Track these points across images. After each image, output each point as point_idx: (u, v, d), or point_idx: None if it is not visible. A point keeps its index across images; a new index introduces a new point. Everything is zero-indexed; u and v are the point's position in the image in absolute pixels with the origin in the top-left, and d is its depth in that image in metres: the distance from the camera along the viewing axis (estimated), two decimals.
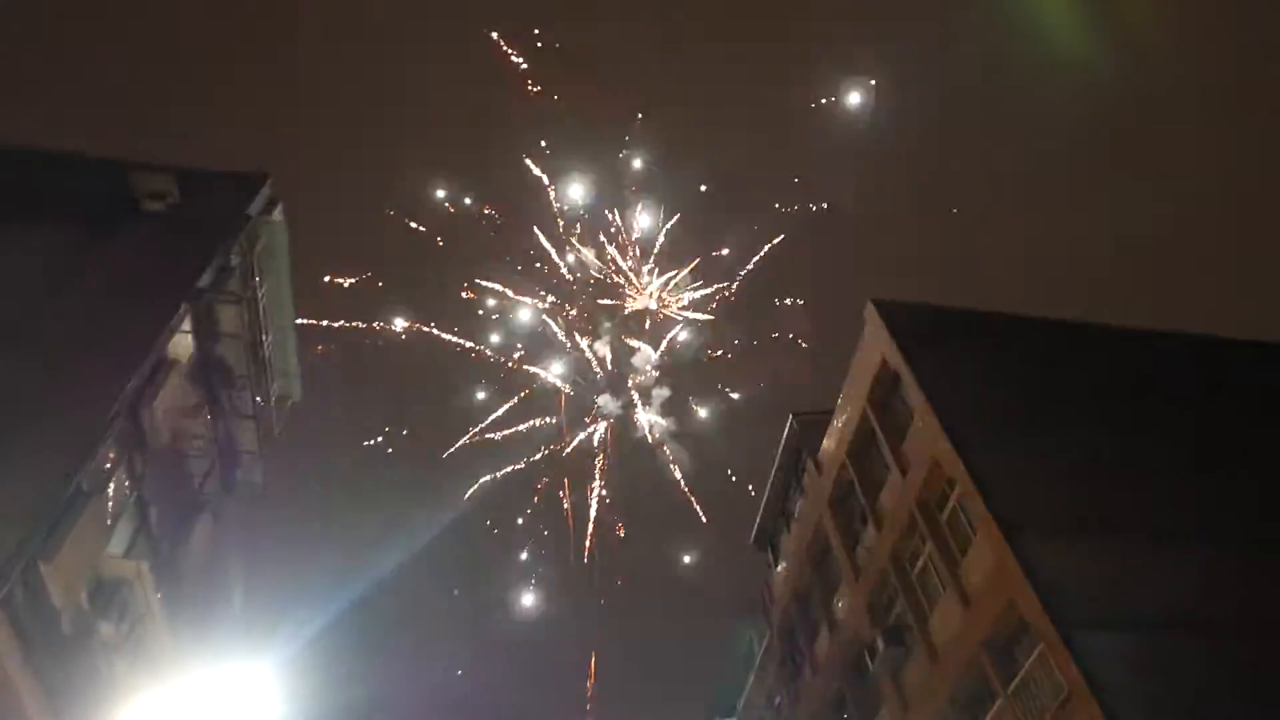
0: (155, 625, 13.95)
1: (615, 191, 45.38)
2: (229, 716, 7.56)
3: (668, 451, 46.94)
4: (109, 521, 12.88)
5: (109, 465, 12.59)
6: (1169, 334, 19.10)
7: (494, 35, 43.46)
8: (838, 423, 20.35)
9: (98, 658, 12.06)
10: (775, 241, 44.13)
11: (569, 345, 46.36)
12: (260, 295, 16.44)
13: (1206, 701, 11.46)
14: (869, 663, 17.44)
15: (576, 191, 44.83)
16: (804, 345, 45.38)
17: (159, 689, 7.89)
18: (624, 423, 47.52)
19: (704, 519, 46.44)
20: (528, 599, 49.00)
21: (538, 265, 45.25)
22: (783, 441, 24.07)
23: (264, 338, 16.87)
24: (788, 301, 45.89)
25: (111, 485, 12.69)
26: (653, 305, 46.15)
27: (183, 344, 14.54)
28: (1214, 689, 11.66)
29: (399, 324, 44.48)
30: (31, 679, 10.82)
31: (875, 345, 18.21)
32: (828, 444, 20.99)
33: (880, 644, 16.81)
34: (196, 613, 16.32)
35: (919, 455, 16.47)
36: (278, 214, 16.29)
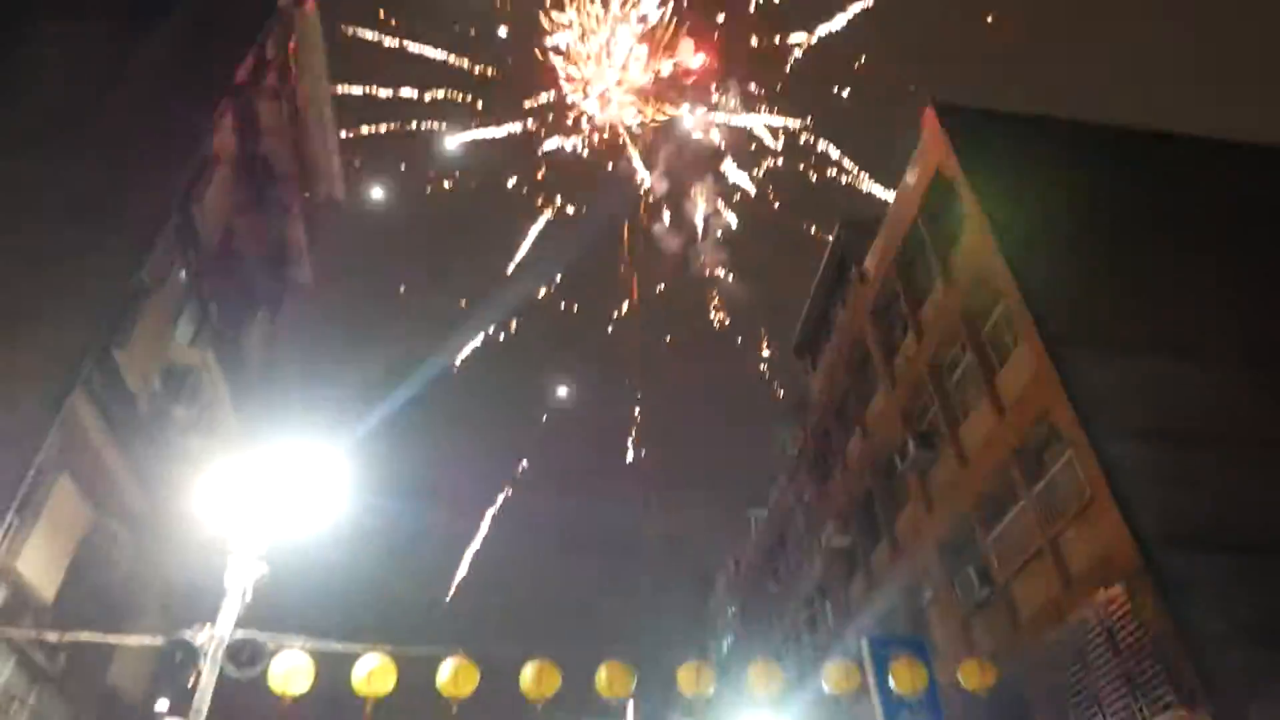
0: (224, 410, 14.96)
1: None
2: (302, 487, 8.23)
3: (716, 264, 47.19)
4: (173, 314, 13.51)
5: (167, 260, 13.02)
6: (1237, 145, 17.95)
7: None
8: (887, 231, 19.98)
9: (174, 436, 13.07)
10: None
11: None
12: (298, 92, 16.15)
13: (1224, 512, 11.80)
14: (898, 464, 18.11)
15: None
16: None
17: (233, 458, 8.60)
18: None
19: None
20: (571, 388, 51.27)
21: None
22: (829, 248, 23.82)
23: (305, 135, 16.75)
24: (843, 94, 44.28)
25: (171, 278, 13.17)
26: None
27: (227, 141, 14.53)
28: (1233, 501, 11.95)
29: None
30: (117, 452, 11.82)
31: (932, 151, 17.48)
32: (875, 253, 20.73)
33: (911, 447, 17.38)
34: (262, 402, 17.38)
35: (968, 266, 16.23)
36: (310, 5, 15.66)
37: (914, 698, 13.86)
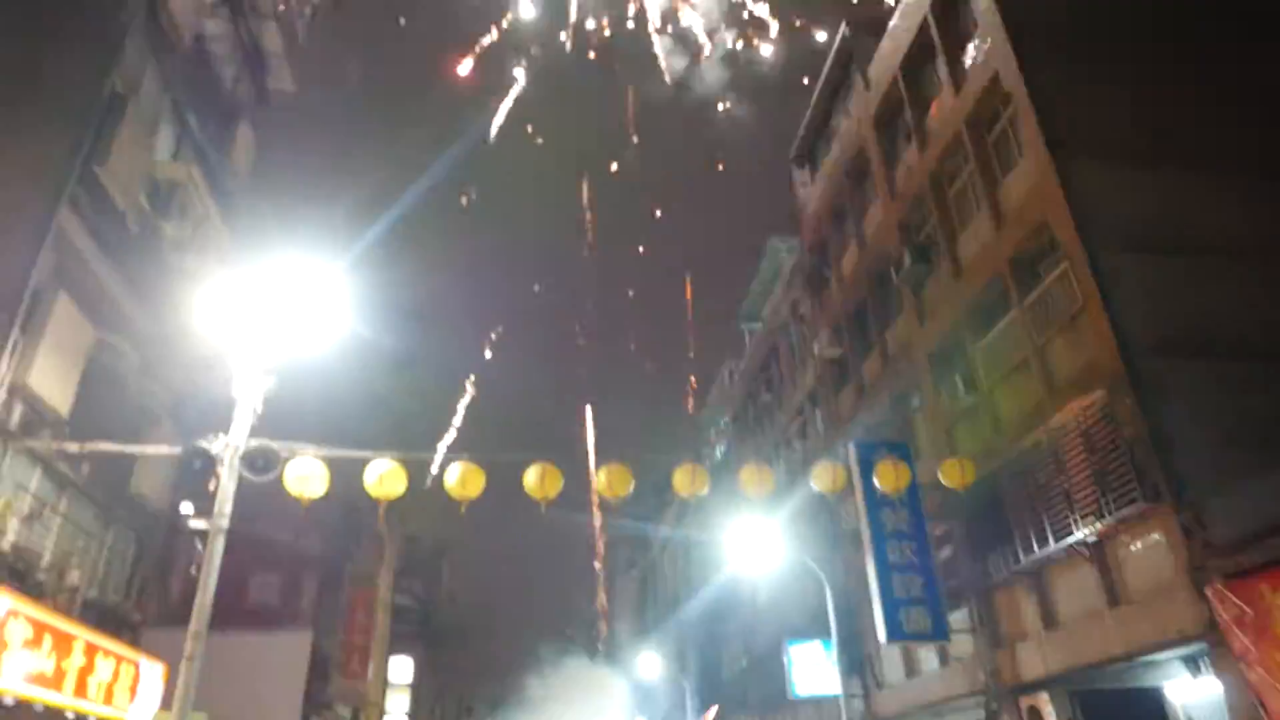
0: (216, 227, 14.78)
1: None
2: (302, 302, 8.30)
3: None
4: (150, 126, 13.05)
5: (139, 65, 12.41)
6: None
7: None
8: (895, 32, 18.95)
9: (168, 254, 12.99)
10: None
11: None
12: None
13: (1211, 321, 12.01)
14: (893, 276, 18.20)
15: None
16: None
17: (228, 274, 8.63)
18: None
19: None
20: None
21: None
22: (833, 51, 22.69)
23: None
24: None
25: (144, 86, 12.62)
26: None
27: None
28: (1222, 310, 12.15)
29: None
30: (112, 270, 11.80)
31: None
32: (881, 57, 19.79)
33: (907, 259, 17.39)
34: (254, 220, 17.13)
35: (977, 70, 15.55)
36: None
37: (896, 496, 14.74)
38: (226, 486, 8.06)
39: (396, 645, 30.42)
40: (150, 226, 12.46)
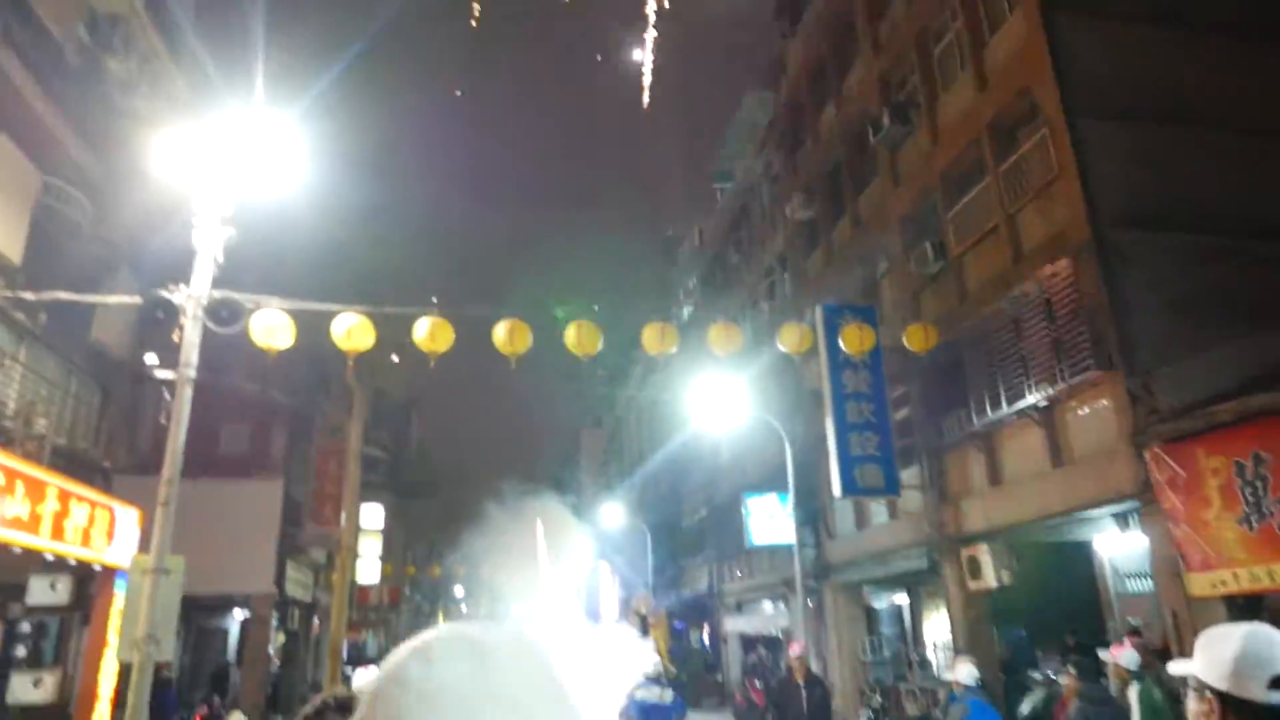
0: (165, 66, 13.93)
1: None
2: (258, 150, 7.95)
3: None
4: None
5: None
6: None
7: None
8: None
9: (114, 94, 12.29)
10: None
11: None
12: None
13: (1185, 194, 12.04)
14: (870, 136, 17.87)
15: None
16: None
17: (182, 118, 8.20)
18: None
19: None
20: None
21: None
22: None
23: None
24: None
25: None
26: None
27: None
28: (1196, 184, 12.14)
29: None
30: (53, 107, 11.16)
31: None
32: None
33: (886, 118, 17.02)
34: (206, 59, 16.13)
35: None
36: None
37: (859, 359, 15.06)
38: (191, 337, 7.97)
39: (367, 494, 31.30)
40: (92, 61, 11.71)
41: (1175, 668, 1.82)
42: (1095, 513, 12.13)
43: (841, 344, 11.34)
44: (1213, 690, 1.65)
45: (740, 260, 28.51)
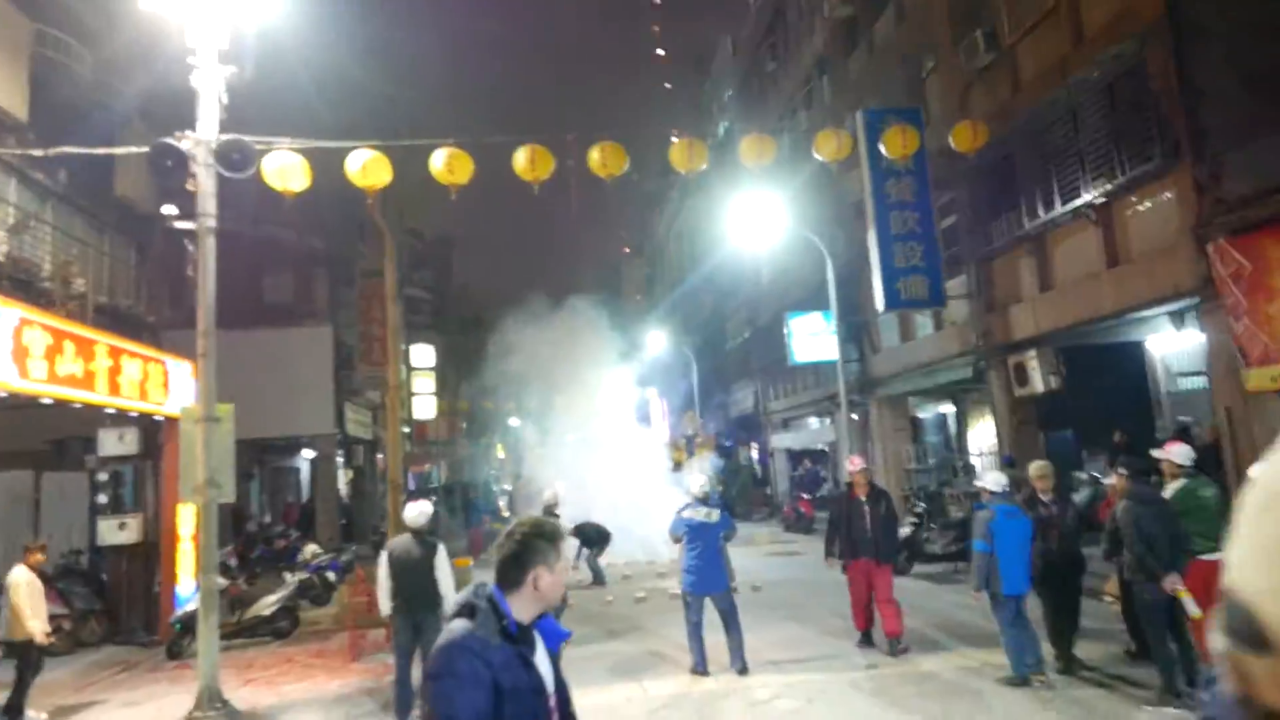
0: None
1: None
2: None
3: None
4: None
5: None
6: None
7: None
8: None
9: None
10: None
11: None
12: None
13: None
14: None
15: None
16: None
17: None
18: None
19: None
20: None
21: None
22: None
23: None
24: None
25: None
26: None
27: None
28: None
29: None
30: None
31: None
32: None
33: None
34: None
35: None
36: None
37: (903, 164, 14.32)
38: (205, 184, 7.75)
39: (416, 334, 31.92)
40: None
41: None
42: (1150, 312, 11.72)
43: (883, 149, 10.65)
44: None
45: (777, 68, 26.88)
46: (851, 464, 9.09)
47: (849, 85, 20.50)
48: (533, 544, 2.27)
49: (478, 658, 2.05)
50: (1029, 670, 6.87)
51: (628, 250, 60.01)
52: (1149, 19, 10.72)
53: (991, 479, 7.46)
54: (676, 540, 8.17)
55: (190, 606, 10.47)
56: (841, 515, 8.77)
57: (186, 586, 11.42)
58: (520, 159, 8.25)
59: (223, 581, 14.83)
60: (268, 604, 11.63)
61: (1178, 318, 11.74)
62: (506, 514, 25.42)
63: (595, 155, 8.28)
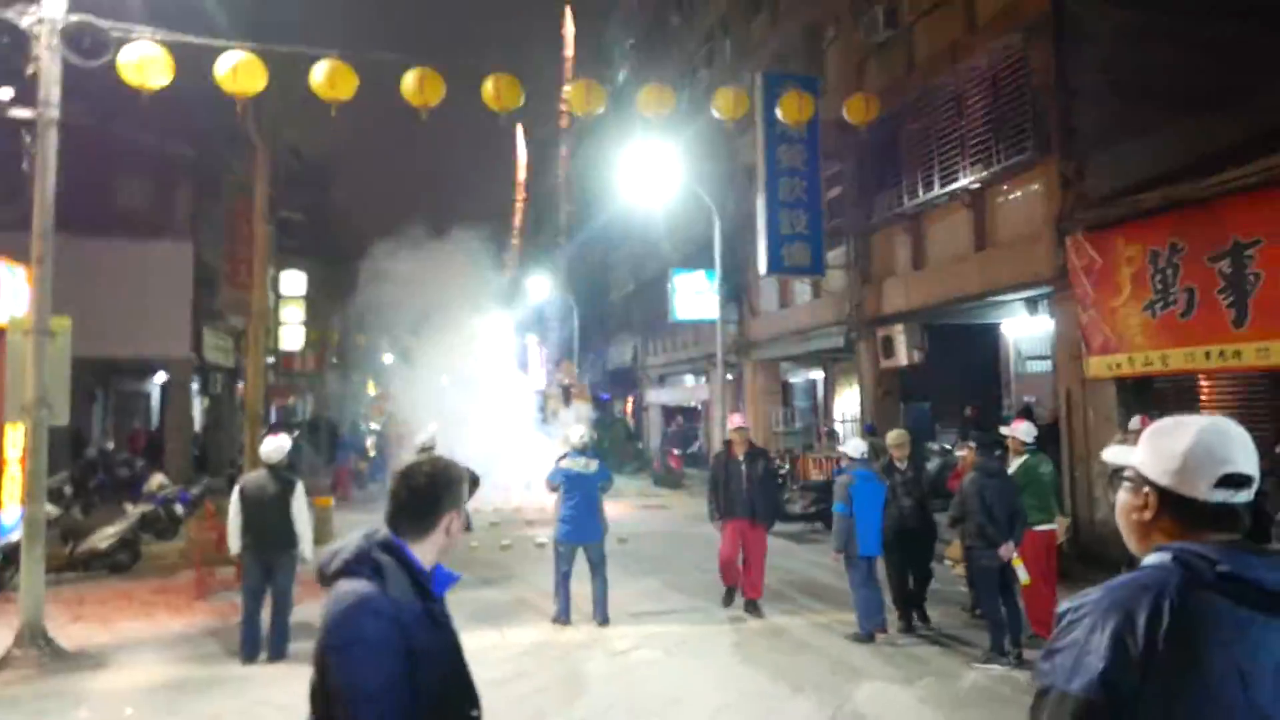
0: None
1: None
2: None
3: None
4: None
5: None
6: None
7: None
8: None
9: None
10: None
11: None
12: None
13: None
14: None
15: None
16: None
17: None
18: None
19: None
20: None
21: None
22: None
23: None
24: None
25: None
26: None
27: None
28: None
29: None
30: None
31: None
32: None
33: None
34: None
35: None
36: None
37: (796, 131, 14.51)
38: (49, 69, 6.94)
39: (288, 259, 30.20)
40: None
41: (1111, 456, 1.66)
42: (1010, 296, 12.41)
43: (779, 113, 10.73)
44: (1152, 485, 1.49)
45: (680, 23, 26.62)
46: (731, 419, 9.02)
47: (750, 48, 20.53)
48: (447, 484, 2.05)
49: (390, 620, 1.82)
50: (874, 627, 7.26)
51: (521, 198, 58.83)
52: (1034, 15, 11.16)
53: (852, 446, 7.77)
54: (554, 489, 8.10)
55: (14, 536, 9.66)
56: (720, 474, 8.48)
57: (11, 514, 10.53)
58: (409, 81, 7.81)
59: (53, 510, 13.79)
60: (105, 536, 10.87)
61: (1032, 304, 12.50)
62: (372, 453, 24.75)
63: (490, 87, 7.93)
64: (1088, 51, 10.90)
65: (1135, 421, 8.09)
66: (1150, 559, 1.47)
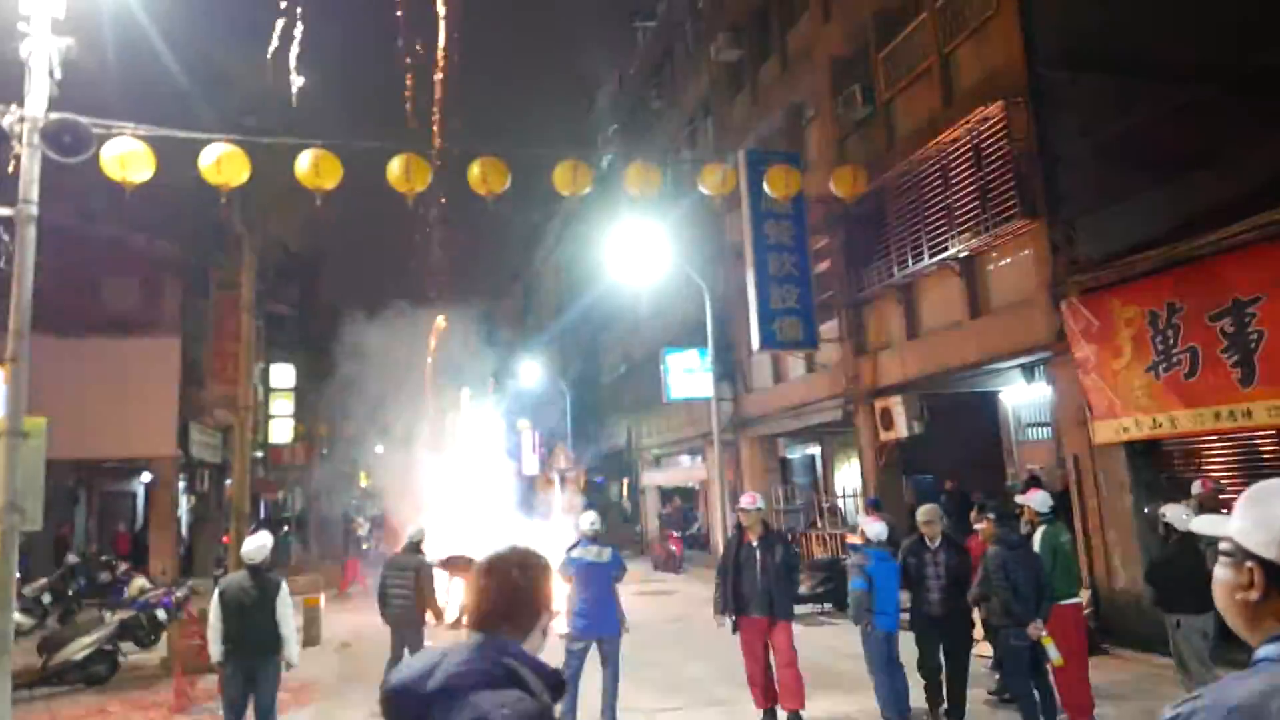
0: None
1: None
2: None
3: None
4: None
5: None
6: None
7: None
8: None
9: None
10: None
11: None
12: None
13: (1127, 31, 11.50)
14: None
15: None
16: None
17: None
18: None
19: None
20: None
21: None
22: None
23: None
24: None
25: None
26: None
27: None
28: (1131, 23, 11.63)
29: None
30: None
31: None
32: None
33: None
34: None
35: None
36: None
37: (782, 207, 14.59)
38: (29, 167, 6.86)
39: (277, 353, 30.11)
40: None
41: (1204, 526, 1.43)
42: (1007, 364, 12.27)
43: (766, 187, 10.76)
44: (1257, 559, 1.26)
45: (662, 106, 27.22)
46: (742, 499, 7.75)
47: (732, 127, 20.92)
48: (542, 580, 1.91)
49: None
50: (899, 717, 6.81)
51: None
52: (1012, 84, 11.35)
53: (873, 530, 7.29)
54: (567, 580, 7.58)
55: None
56: (730, 562, 7.39)
57: None
58: (395, 168, 7.77)
59: (27, 620, 13.17)
60: (81, 646, 10.32)
61: (1028, 370, 12.36)
62: (366, 546, 24.13)
63: (476, 170, 7.89)
64: (1067, 118, 11.05)
65: (1197, 486, 7.75)
66: (1265, 650, 1.24)
